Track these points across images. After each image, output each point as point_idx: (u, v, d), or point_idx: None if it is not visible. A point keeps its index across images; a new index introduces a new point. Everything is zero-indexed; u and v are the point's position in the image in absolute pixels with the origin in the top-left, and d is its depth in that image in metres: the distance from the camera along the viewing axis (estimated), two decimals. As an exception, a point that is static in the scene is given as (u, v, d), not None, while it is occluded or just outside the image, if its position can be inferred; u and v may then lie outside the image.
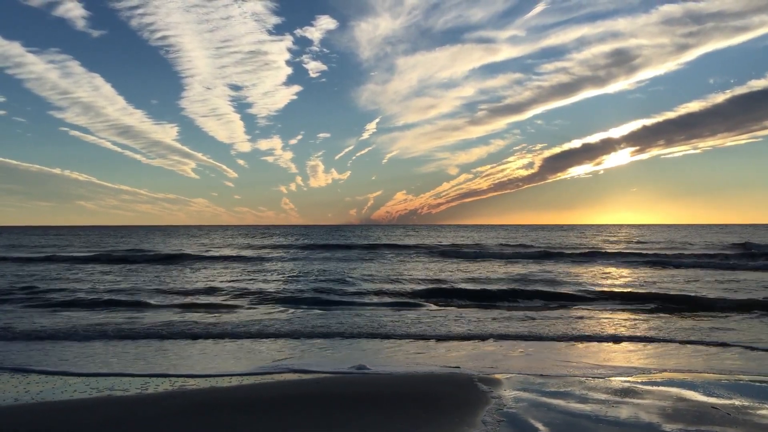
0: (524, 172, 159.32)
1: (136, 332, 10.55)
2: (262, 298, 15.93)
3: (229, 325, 11.33)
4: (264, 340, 10.05)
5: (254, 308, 14.20)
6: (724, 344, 9.53)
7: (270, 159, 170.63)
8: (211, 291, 17.40)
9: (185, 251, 37.19)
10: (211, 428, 5.30)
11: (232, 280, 20.72)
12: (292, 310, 13.64)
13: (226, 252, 38.09)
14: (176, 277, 22.23)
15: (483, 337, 10.22)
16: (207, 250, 39.89)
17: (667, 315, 12.91)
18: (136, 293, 16.77)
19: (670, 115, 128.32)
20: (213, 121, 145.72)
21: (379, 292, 17.03)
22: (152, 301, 15.06)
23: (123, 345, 9.58)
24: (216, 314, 13.07)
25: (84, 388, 6.82)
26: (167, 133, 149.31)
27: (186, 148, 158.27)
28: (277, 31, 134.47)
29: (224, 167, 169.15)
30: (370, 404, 6.05)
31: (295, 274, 23.22)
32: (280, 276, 22.72)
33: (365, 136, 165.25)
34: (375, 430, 5.25)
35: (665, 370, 7.65)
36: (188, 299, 15.59)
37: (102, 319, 12.20)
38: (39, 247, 45.15)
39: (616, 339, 10.09)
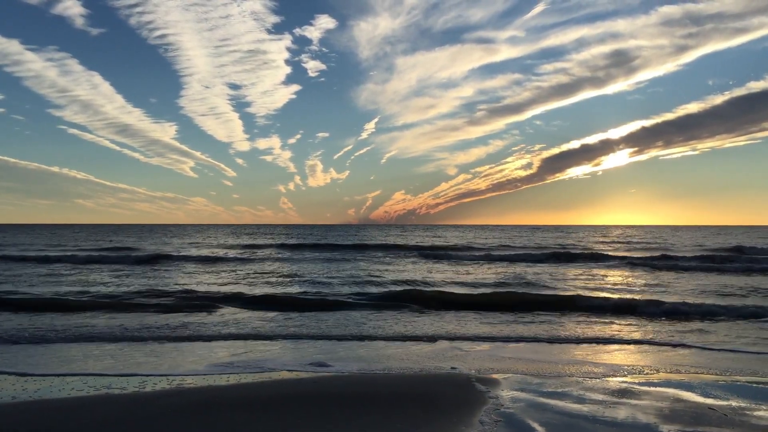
0: (523, 173, 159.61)
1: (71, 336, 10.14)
2: (233, 299, 15.41)
3: (192, 328, 11.10)
4: (222, 341, 9.97)
5: (220, 310, 13.70)
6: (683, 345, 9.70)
7: (269, 158, 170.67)
8: (179, 293, 16.53)
9: (165, 251, 36.09)
10: (211, 427, 5.30)
11: (204, 282, 20.14)
12: (263, 312, 13.35)
13: (208, 252, 36.95)
14: (149, 277, 21.52)
15: (455, 338, 10.30)
16: (181, 250, 38.75)
17: (634, 318, 12.88)
18: (86, 294, 16.10)
19: (669, 116, 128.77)
20: (212, 120, 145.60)
21: (358, 294, 16.75)
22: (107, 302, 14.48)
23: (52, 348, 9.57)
24: (179, 316, 12.66)
25: (81, 386, 6.80)
26: (166, 132, 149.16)
27: (185, 147, 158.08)
28: (276, 30, 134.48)
29: (223, 166, 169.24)
30: (368, 404, 6.06)
31: (273, 275, 22.97)
32: (258, 277, 22.43)
33: (364, 135, 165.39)
34: (374, 430, 5.26)
35: (659, 371, 7.69)
36: (156, 300, 15.03)
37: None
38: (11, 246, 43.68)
39: (590, 340, 10.21)
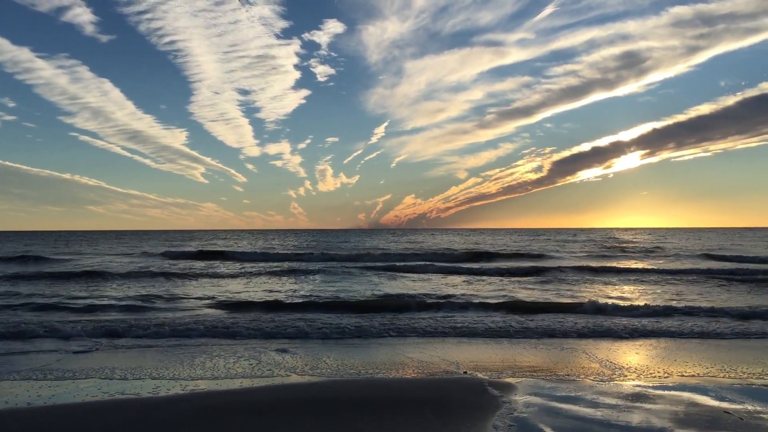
0: (533, 176, 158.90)
1: None
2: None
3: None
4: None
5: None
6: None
7: (279, 163, 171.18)
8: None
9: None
10: (224, 433, 5.32)
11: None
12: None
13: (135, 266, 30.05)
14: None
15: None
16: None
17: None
18: None
19: (681, 117, 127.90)
20: (221, 125, 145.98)
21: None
22: None
23: None
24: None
25: (95, 392, 6.84)
26: (176, 138, 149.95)
27: (195, 153, 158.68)
28: (285, 35, 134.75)
29: (233, 172, 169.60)
30: (381, 408, 6.06)
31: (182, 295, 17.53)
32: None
33: (374, 140, 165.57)
34: (386, 435, 5.26)
35: (673, 374, 7.64)
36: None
37: None
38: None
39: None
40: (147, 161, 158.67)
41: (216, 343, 10.00)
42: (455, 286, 20.21)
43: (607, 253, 41.04)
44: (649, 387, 6.96)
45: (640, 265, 29.81)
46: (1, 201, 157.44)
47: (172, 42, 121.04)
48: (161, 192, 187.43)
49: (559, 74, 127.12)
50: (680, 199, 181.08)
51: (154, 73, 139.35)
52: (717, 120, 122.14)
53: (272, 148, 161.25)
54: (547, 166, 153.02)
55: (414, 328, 11.24)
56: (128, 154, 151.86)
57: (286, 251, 43.53)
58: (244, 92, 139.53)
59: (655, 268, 27.45)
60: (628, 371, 7.86)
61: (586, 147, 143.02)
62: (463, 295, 17.08)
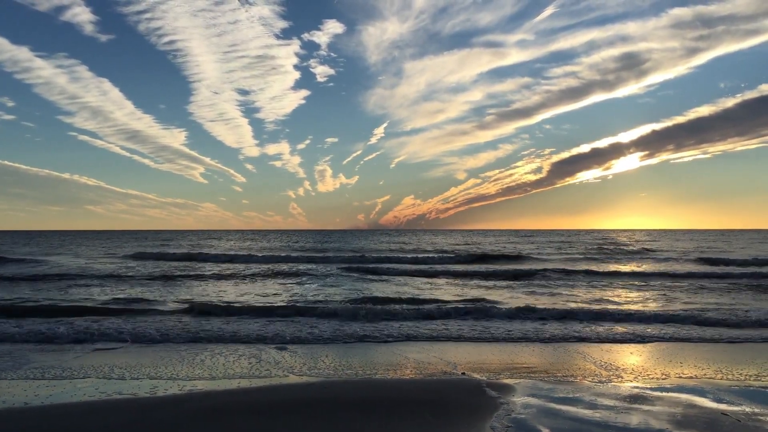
0: (532, 177, 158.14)
1: None
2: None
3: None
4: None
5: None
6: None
7: (278, 164, 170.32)
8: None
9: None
10: (221, 433, 5.31)
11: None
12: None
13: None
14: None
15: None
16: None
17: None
18: None
19: (680, 119, 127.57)
20: (221, 125, 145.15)
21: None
22: None
23: None
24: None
25: (93, 392, 6.83)
26: (175, 138, 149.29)
27: (194, 153, 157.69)
28: (285, 35, 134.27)
29: (232, 172, 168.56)
30: (378, 409, 6.05)
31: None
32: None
33: (373, 140, 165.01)
34: (385, 436, 5.26)
35: (671, 375, 7.64)
36: None
37: None
38: None
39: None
40: (146, 161, 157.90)
41: (174, 348, 9.99)
42: (440, 287, 20.21)
43: (596, 255, 40.93)
44: (646, 389, 6.97)
45: (626, 267, 29.74)
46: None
47: (171, 42, 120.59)
48: (160, 192, 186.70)
49: (558, 75, 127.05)
50: (679, 201, 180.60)
51: (153, 73, 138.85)
52: (716, 122, 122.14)
53: (271, 149, 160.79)
54: (546, 167, 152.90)
55: (392, 333, 11.18)
56: (127, 154, 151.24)
57: (261, 253, 41.68)
58: (243, 92, 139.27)
59: (641, 270, 27.57)
60: (626, 373, 7.87)
61: (585, 148, 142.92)
62: (441, 298, 16.68)
